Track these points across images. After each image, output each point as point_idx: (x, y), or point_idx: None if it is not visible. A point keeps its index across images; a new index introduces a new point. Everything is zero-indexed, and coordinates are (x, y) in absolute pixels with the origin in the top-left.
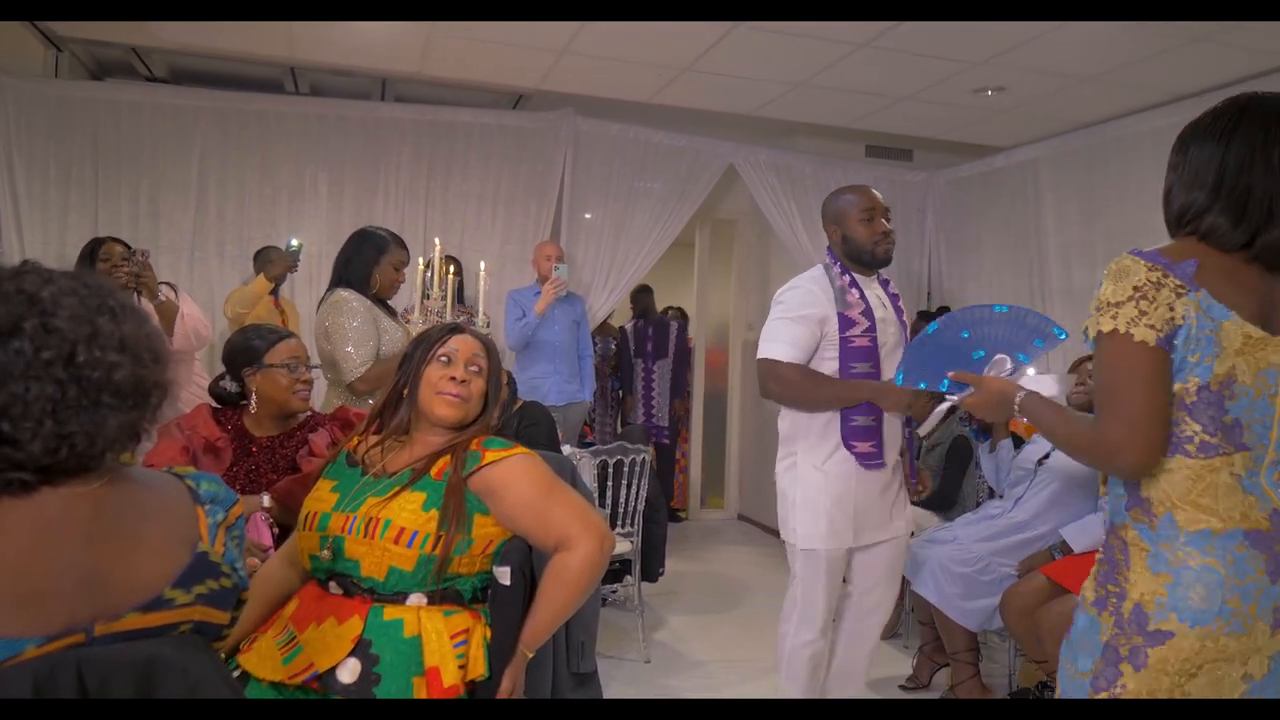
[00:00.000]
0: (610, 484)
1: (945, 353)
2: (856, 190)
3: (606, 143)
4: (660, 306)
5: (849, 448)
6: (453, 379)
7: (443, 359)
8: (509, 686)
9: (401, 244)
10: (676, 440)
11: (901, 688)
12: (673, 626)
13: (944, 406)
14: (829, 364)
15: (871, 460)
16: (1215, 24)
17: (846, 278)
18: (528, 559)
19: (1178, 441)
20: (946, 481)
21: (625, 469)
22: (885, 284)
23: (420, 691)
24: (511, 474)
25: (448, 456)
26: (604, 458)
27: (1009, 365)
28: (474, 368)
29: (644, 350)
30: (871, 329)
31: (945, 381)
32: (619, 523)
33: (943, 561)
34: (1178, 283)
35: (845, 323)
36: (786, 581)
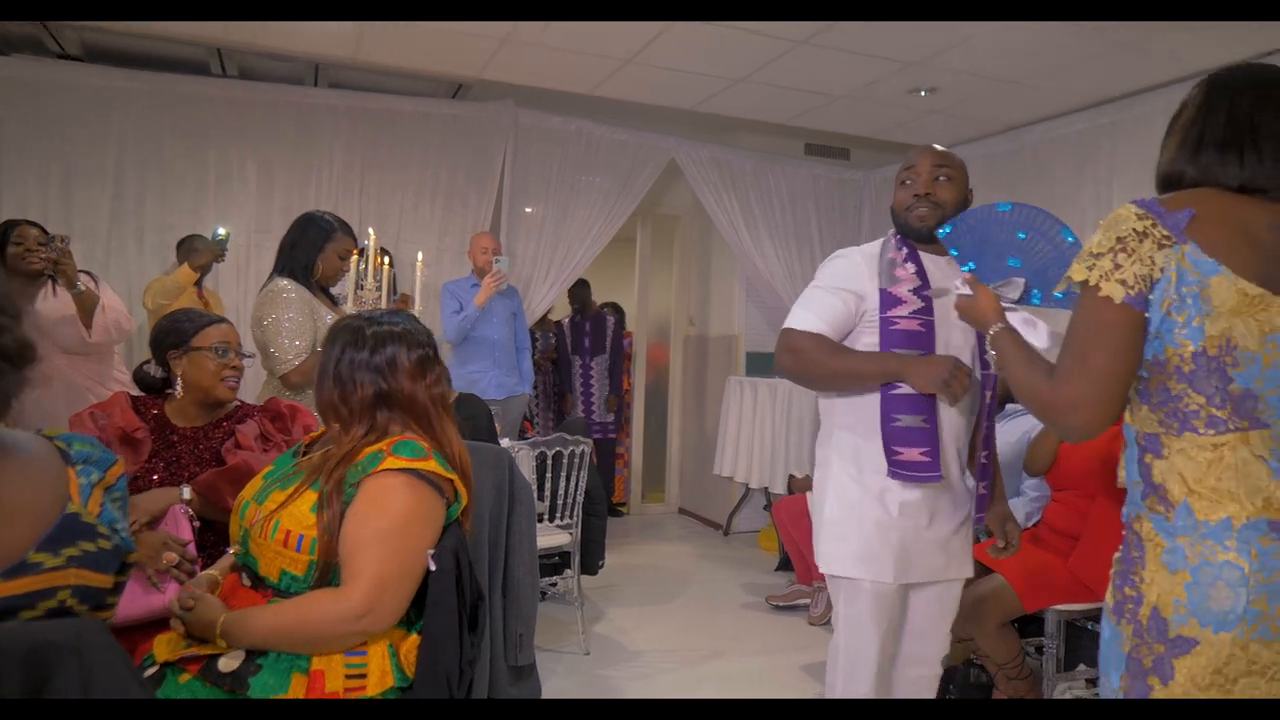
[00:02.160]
0: (549, 476)
1: (991, 240)
2: (913, 149)
3: (548, 135)
4: (601, 301)
5: (889, 454)
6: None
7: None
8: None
9: (348, 231)
10: (618, 435)
11: None
12: (612, 618)
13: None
14: (866, 348)
15: (920, 471)
16: (1137, 32)
17: (904, 250)
18: (462, 543)
19: (1184, 417)
20: None
21: (564, 461)
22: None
23: (298, 689)
24: (383, 488)
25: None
26: (543, 450)
27: (1017, 294)
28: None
29: (581, 346)
30: (925, 310)
31: (970, 265)
32: (558, 515)
33: None
34: (1164, 233)
35: (888, 300)
36: (725, 572)
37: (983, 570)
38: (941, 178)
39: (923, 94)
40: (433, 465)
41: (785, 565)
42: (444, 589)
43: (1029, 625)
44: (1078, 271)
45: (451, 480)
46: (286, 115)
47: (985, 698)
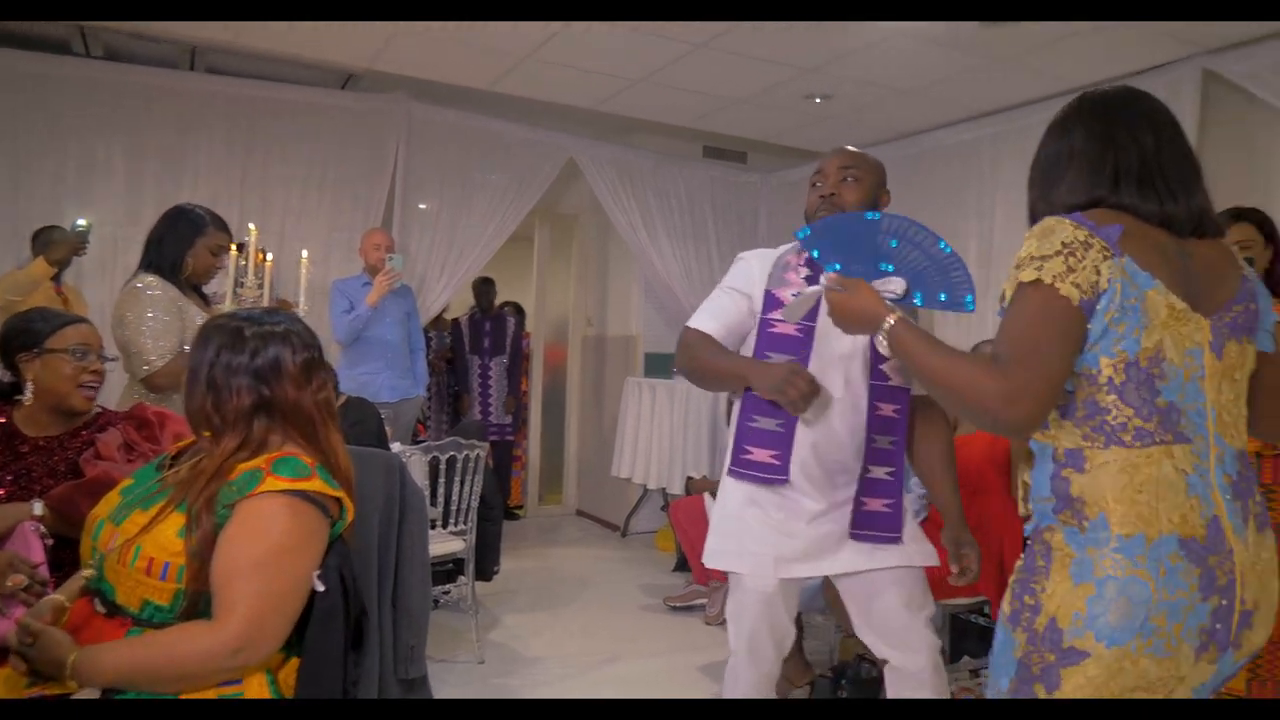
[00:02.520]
0: (443, 481)
1: (860, 243)
2: (830, 151)
3: (443, 130)
4: (499, 301)
5: (739, 452)
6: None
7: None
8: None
9: (222, 226)
10: (516, 437)
11: None
12: (508, 625)
13: (811, 290)
14: (749, 350)
15: (765, 473)
16: (1021, 48)
17: (804, 255)
18: (347, 560)
19: (1111, 431)
20: None
21: (459, 465)
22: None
23: None
24: (262, 511)
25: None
26: (436, 454)
27: (901, 289)
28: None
29: (481, 346)
30: (809, 315)
31: (834, 265)
32: (452, 520)
33: None
34: (1104, 245)
35: (771, 303)
36: (623, 573)
37: None
38: (849, 179)
39: (819, 100)
40: (317, 484)
41: (682, 566)
42: (327, 610)
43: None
44: (1027, 274)
45: (338, 498)
46: (159, 101)
47: (875, 692)
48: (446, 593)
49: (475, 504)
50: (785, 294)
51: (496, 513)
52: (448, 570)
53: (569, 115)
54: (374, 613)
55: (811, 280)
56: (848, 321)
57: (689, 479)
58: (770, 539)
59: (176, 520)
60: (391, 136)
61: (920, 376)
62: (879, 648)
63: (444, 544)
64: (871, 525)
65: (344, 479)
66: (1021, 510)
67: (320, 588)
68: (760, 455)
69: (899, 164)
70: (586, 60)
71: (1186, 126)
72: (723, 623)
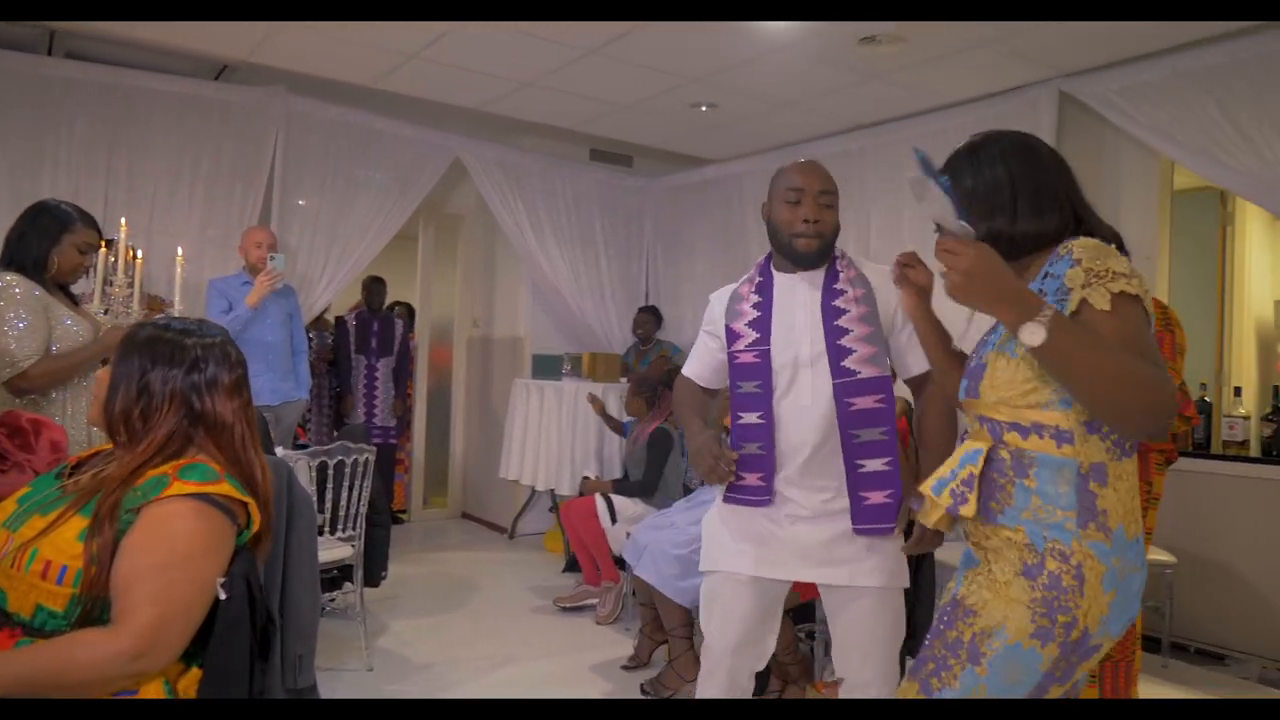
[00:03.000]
0: (330, 486)
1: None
2: (795, 165)
3: (324, 125)
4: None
5: (736, 476)
6: None
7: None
8: None
9: (90, 222)
10: (400, 440)
11: (624, 668)
12: (396, 631)
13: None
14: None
15: (751, 495)
16: (894, 66)
17: (756, 280)
18: (253, 568)
19: (1121, 443)
20: (649, 470)
21: (346, 470)
22: (833, 280)
23: None
24: (166, 515)
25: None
26: (323, 459)
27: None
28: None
29: (367, 346)
30: (761, 341)
31: (957, 215)
32: (340, 526)
33: (661, 545)
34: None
35: (731, 336)
36: (512, 576)
37: None
38: (828, 206)
39: (704, 109)
40: (224, 488)
41: (573, 566)
42: (233, 618)
43: (800, 613)
44: (1128, 287)
45: (245, 504)
46: (13, 87)
47: (763, 683)
48: (332, 600)
49: (363, 509)
50: (739, 325)
51: (384, 517)
52: (333, 577)
53: (455, 114)
54: (277, 622)
55: (761, 308)
56: (980, 289)
57: (584, 479)
58: (752, 540)
59: (78, 524)
60: (269, 131)
61: (1087, 373)
62: (837, 662)
63: (331, 550)
64: (874, 519)
65: (260, 488)
66: (967, 512)
67: (223, 595)
68: (749, 479)
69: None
70: (475, 61)
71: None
72: (614, 622)
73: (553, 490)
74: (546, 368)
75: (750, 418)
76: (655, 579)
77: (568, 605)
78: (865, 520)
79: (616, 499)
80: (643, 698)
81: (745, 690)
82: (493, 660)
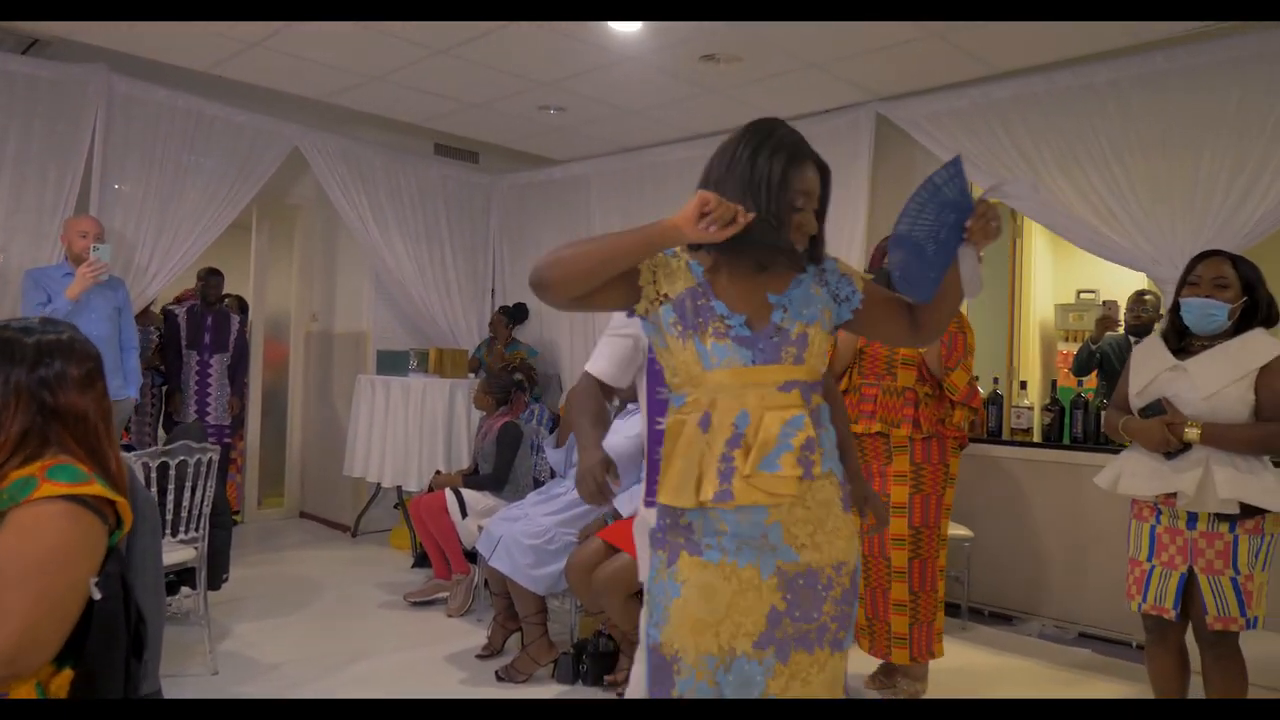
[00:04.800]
0: (171, 488)
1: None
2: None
3: (150, 108)
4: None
5: (654, 483)
6: None
7: None
8: None
9: None
10: (233, 439)
11: (479, 657)
12: (240, 634)
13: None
14: (642, 381)
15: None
16: (732, 82)
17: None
18: (126, 566)
19: None
20: (499, 464)
21: (189, 470)
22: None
23: None
24: (37, 517)
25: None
26: (164, 459)
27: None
28: None
29: (200, 341)
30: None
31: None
32: (182, 528)
33: (515, 536)
34: None
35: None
36: (358, 574)
37: (612, 550)
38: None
39: (553, 111)
40: (95, 489)
41: (421, 562)
42: (108, 619)
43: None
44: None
45: (115, 503)
46: None
47: (612, 664)
48: (170, 605)
49: (207, 510)
50: None
51: (225, 518)
52: (171, 582)
53: (294, 103)
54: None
55: None
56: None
57: (436, 473)
58: None
59: None
60: (88, 111)
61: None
62: None
63: (172, 553)
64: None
65: (121, 488)
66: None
67: (98, 595)
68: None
69: (622, 175)
70: (321, 53)
71: (863, 161)
72: (465, 614)
73: (399, 487)
74: (392, 363)
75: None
76: (510, 569)
77: (418, 600)
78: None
79: (467, 493)
80: (612, 697)
81: None
82: (344, 657)
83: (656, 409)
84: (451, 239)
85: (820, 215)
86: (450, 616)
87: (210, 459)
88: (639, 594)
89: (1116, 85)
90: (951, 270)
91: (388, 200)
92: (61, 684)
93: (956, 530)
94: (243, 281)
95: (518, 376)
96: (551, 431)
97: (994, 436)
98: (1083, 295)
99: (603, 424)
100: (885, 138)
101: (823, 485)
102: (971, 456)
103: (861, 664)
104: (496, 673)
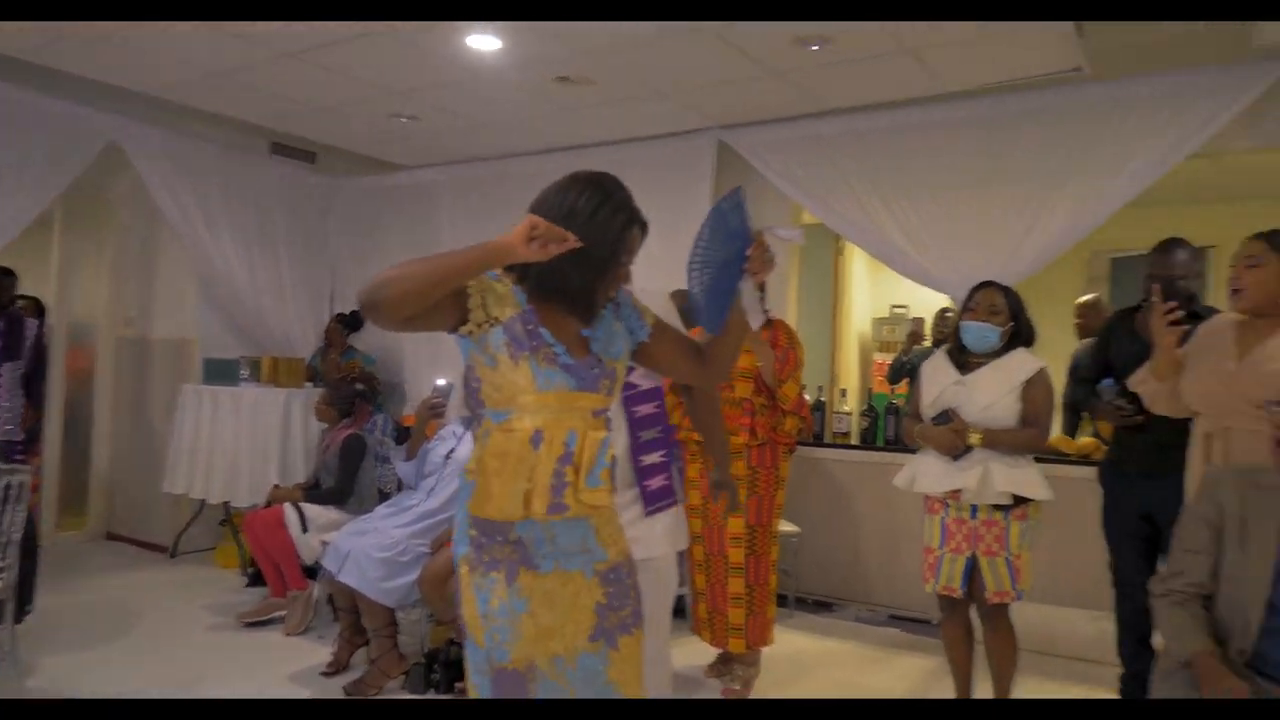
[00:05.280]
0: None
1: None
2: None
3: None
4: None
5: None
6: None
7: None
8: None
9: None
10: (28, 456)
11: (324, 674)
12: (49, 670)
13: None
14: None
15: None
16: (582, 101)
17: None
18: None
19: None
20: (342, 477)
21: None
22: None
23: None
24: None
25: None
26: None
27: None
28: None
29: None
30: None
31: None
32: None
33: (365, 550)
34: None
35: None
36: (182, 596)
37: None
38: None
39: (404, 120)
40: None
41: (257, 581)
42: None
43: None
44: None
45: None
46: None
47: (463, 672)
48: None
49: (18, 537)
50: None
51: (32, 544)
52: None
53: (113, 94)
54: None
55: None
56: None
57: (275, 487)
58: None
59: None
60: None
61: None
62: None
63: None
64: (656, 500)
65: None
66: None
67: None
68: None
69: (472, 184)
70: (156, 47)
71: (705, 185)
72: (303, 632)
73: (227, 503)
74: (221, 372)
75: None
76: (359, 583)
77: (252, 620)
78: (650, 502)
79: (308, 507)
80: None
81: None
82: (173, 684)
83: (639, 425)
84: (289, 242)
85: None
86: (289, 635)
87: (22, 481)
88: None
89: (926, 128)
90: (736, 303)
91: (218, 200)
92: None
93: (786, 527)
94: (42, 283)
95: (360, 387)
96: (398, 442)
97: (817, 440)
98: (895, 310)
99: None
100: (726, 163)
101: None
102: (797, 458)
103: (702, 654)
104: (345, 688)
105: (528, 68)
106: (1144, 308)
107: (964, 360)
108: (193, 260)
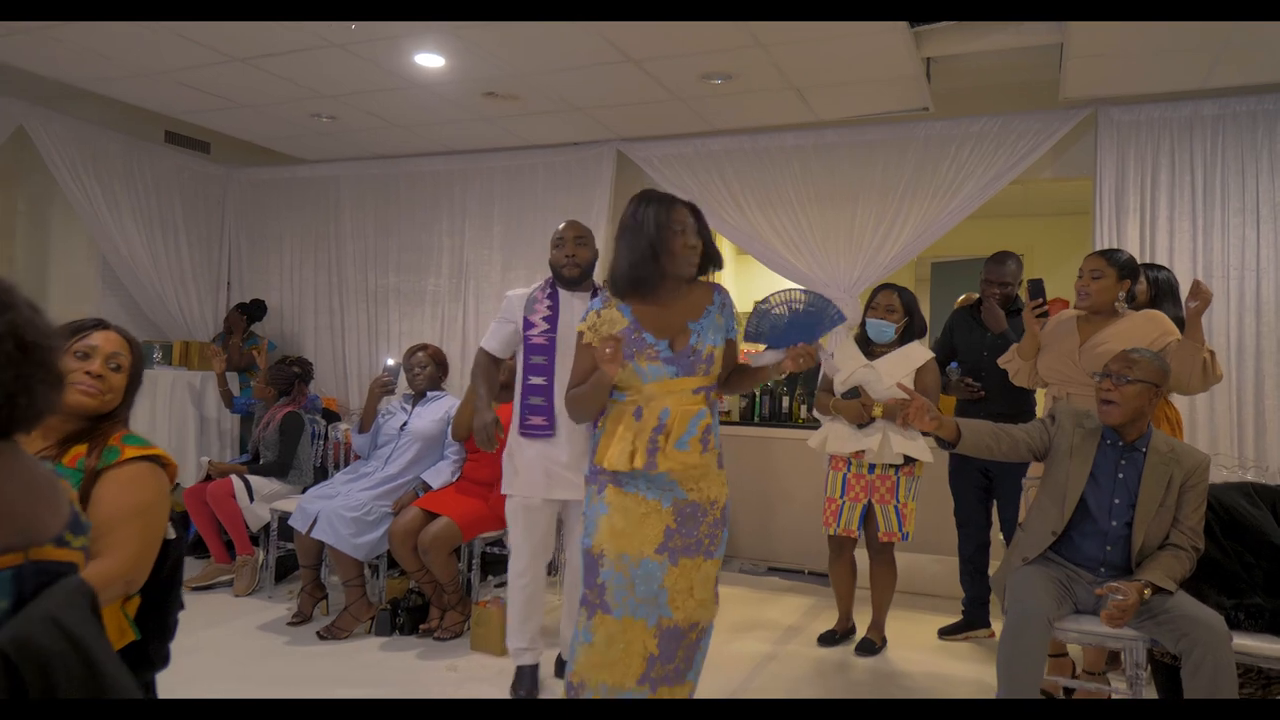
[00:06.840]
0: None
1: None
2: (564, 223)
3: None
4: None
5: (522, 420)
6: (88, 374)
7: (79, 354)
8: None
9: None
10: None
11: (290, 624)
12: None
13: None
14: (520, 355)
15: (542, 431)
16: (501, 113)
17: (547, 290)
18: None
19: None
20: (283, 451)
21: None
22: (595, 299)
23: None
24: (127, 477)
25: (84, 444)
26: None
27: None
28: (114, 364)
29: None
30: (550, 332)
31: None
32: None
33: (336, 510)
34: None
35: (527, 325)
36: None
37: (431, 516)
38: (581, 244)
39: (324, 120)
40: (160, 451)
41: (198, 550)
42: (175, 555)
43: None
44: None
45: (168, 464)
46: None
47: (424, 616)
48: None
49: None
50: (535, 318)
51: None
52: None
53: (16, 76)
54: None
55: (551, 309)
56: None
57: (210, 463)
58: (539, 472)
59: None
60: None
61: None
62: None
63: None
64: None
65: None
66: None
67: (172, 535)
68: (534, 420)
69: (374, 180)
70: (99, 45)
71: (604, 188)
72: (251, 593)
73: None
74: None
75: (538, 379)
76: (334, 539)
77: (199, 585)
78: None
79: (253, 479)
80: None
81: (544, 582)
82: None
83: (530, 369)
84: (187, 230)
85: (703, 238)
86: (238, 596)
87: None
88: (457, 551)
89: (801, 150)
90: (766, 357)
91: (123, 187)
92: (133, 606)
93: None
94: None
95: (296, 370)
96: (327, 421)
97: None
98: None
99: (493, 392)
100: (624, 172)
101: (711, 455)
102: None
103: None
104: (318, 633)
105: (461, 83)
106: (984, 304)
107: (869, 349)
108: (102, 245)
